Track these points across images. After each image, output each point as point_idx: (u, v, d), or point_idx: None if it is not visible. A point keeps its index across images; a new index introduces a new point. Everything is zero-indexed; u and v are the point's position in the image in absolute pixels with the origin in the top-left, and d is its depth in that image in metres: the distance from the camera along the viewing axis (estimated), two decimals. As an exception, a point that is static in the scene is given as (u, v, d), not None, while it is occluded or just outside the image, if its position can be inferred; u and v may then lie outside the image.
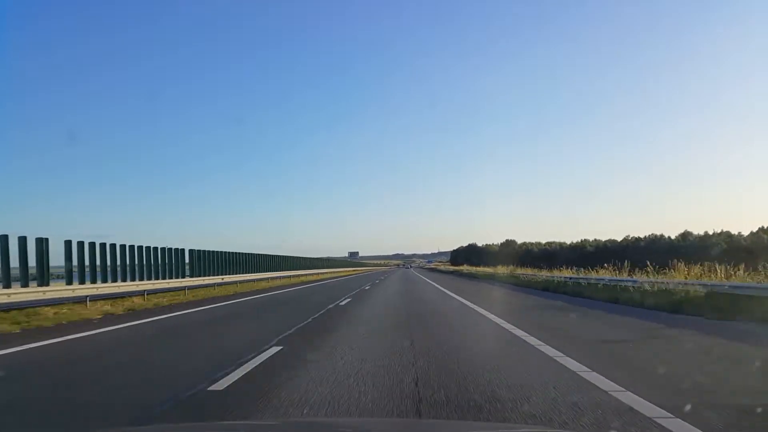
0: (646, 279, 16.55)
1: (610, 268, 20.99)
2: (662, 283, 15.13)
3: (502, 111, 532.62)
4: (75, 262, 18.74)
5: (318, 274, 56.24)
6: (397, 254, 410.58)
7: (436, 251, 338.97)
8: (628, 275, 19.23)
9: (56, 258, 17.92)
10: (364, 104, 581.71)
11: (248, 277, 33.74)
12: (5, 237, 15.45)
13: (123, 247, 21.37)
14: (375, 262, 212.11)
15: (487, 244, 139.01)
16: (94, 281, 19.04)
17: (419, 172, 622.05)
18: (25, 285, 15.69)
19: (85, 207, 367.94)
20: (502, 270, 40.82)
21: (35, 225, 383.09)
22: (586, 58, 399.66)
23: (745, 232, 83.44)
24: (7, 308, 12.84)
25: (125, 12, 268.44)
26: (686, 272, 15.91)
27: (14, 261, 15.69)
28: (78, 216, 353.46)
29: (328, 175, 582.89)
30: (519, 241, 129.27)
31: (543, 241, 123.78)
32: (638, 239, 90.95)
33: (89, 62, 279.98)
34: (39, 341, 8.83)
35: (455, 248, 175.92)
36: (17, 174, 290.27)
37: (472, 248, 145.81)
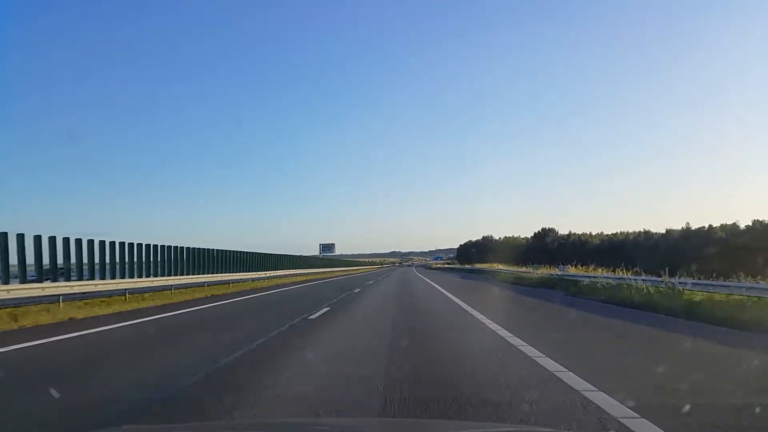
0: None
1: None
2: None
3: (505, 104, 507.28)
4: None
5: (238, 283, 30.42)
6: (394, 252, 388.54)
7: (434, 248, 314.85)
8: None
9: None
10: (361, 100, 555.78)
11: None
12: None
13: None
14: (365, 260, 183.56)
15: (507, 237, 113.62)
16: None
17: (417, 170, 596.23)
18: None
19: (82, 206, 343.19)
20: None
21: (35, 224, 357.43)
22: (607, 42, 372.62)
23: None
24: None
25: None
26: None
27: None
28: (74, 215, 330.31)
29: (325, 170, 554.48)
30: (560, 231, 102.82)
31: (577, 232, 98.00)
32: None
33: (87, 61, 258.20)
34: None
35: (464, 243, 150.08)
36: (16, 172, 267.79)
37: (486, 242, 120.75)
